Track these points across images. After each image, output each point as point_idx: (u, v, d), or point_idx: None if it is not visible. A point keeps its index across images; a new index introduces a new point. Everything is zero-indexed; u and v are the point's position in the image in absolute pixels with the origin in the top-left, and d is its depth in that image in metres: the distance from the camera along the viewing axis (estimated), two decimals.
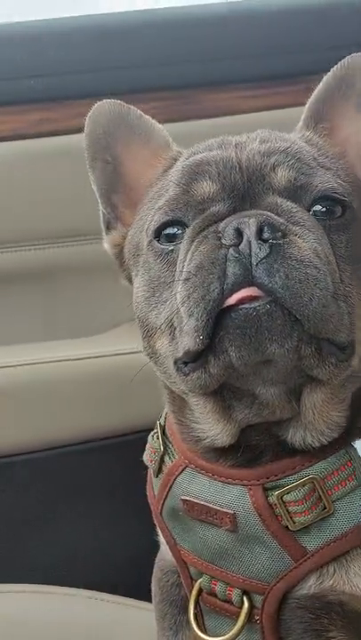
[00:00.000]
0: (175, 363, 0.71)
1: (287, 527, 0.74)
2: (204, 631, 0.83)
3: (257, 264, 0.63)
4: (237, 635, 0.78)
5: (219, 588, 0.80)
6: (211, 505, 0.77)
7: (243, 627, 0.78)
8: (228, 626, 0.80)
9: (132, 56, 1.37)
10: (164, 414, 0.88)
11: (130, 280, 0.84)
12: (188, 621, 0.86)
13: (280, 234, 0.65)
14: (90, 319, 1.43)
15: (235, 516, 0.75)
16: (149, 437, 0.89)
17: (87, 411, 1.33)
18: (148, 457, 0.87)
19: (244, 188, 0.70)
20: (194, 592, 0.82)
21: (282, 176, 0.70)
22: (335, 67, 0.79)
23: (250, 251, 0.64)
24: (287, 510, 0.73)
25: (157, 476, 0.84)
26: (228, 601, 0.80)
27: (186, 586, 0.85)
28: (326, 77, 0.80)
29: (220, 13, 1.45)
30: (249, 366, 0.66)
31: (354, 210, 0.71)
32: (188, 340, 0.66)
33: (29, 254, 1.37)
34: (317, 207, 0.70)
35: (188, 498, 0.78)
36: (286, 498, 0.73)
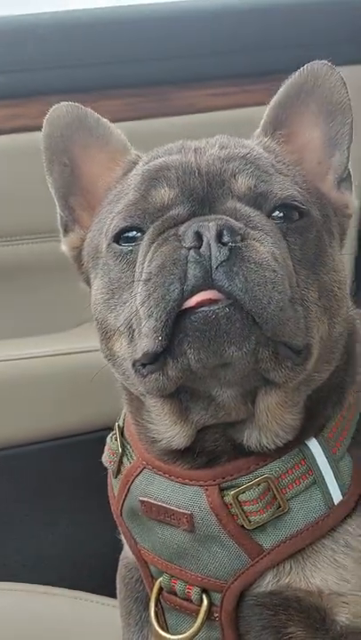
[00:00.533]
0: (134, 364, 0.71)
1: (243, 526, 0.75)
2: (166, 628, 0.84)
3: (217, 267, 0.64)
4: (197, 632, 0.80)
5: (178, 586, 0.81)
6: (168, 506, 0.78)
7: (202, 624, 0.79)
8: (189, 623, 0.81)
9: (102, 53, 1.37)
10: (122, 415, 0.89)
11: (88, 283, 0.84)
12: (148, 614, 0.87)
13: (239, 237, 0.65)
14: (56, 317, 1.42)
15: (192, 516, 0.76)
16: (108, 439, 0.89)
17: (48, 409, 1.33)
18: (106, 458, 0.87)
19: (204, 193, 0.71)
20: (154, 590, 0.84)
21: (242, 183, 0.72)
22: (294, 74, 0.80)
23: (210, 253, 0.64)
24: (242, 510, 0.74)
25: (116, 477, 0.85)
26: (188, 599, 0.81)
27: (147, 584, 0.86)
28: (286, 84, 0.81)
29: (189, 11, 1.45)
30: (207, 369, 0.67)
31: (311, 216, 0.73)
32: (146, 342, 0.67)
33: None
34: (276, 213, 0.71)
35: (146, 499, 0.79)
36: (241, 497, 0.74)
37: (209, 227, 0.65)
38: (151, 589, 0.85)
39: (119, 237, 0.73)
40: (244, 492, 0.74)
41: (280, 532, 0.75)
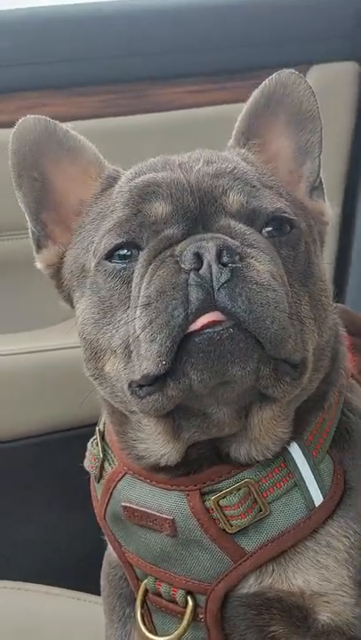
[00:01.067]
0: (130, 385, 0.70)
1: (225, 530, 0.75)
2: (153, 629, 0.84)
3: (219, 288, 0.63)
4: (183, 633, 0.80)
5: (163, 588, 0.81)
6: (150, 511, 0.78)
7: (188, 625, 0.79)
8: (175, 624, 0.81)
9: (78, 49, 1.36)
10: (102, 420, 0.88)
11: (70, 301, 0.83)
12: (135, 616, 0.87)
13: (238, 257, 0.65)
14: (42, 312, 1.39)
15: (174, 521, 0.76)
16: (89, 444, 0.89)
17: (34, 404, 1.33)
18: (88, 463, 0.87)
19: (197, 211, 0.70)
20: (140, 592, 0.84)
21: (233, 200, 0.71)
22: (264, 83, 0.80)
23: (211, 275, 0.64)
24: (224, 514, 0.74)
25: (99, 482, 0.85)
26: (173, 601, 0.81)
27: (133, 586, 0.87)
28: (255, 93, 0.81)
29: (167, 8, 1.43)
30: (207, 388, 0.66)
31: (300, 227, 0.73)
32: (147, 365, 0.66)
33: None
34: (268, 228, 0.71)
35: (128, 504, 0.79)
36: (222, 502, 0.74)
37: (208, 247, 0.64)
38: (137, 591, 0.85)
39: (111, 255, 0.72)
40: (224, 497, 0.74)
41: (262, 534, 0.75)
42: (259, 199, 0.71)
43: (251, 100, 0.81)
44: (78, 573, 1.19)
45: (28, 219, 0.82)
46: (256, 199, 0.71)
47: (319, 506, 0.75)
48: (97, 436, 0.87)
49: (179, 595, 0.80)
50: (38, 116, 0.79)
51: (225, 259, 0.64)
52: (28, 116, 0.79)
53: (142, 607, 0.84)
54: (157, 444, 0.76)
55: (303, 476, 0.76)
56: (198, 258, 0.64)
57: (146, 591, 0.84)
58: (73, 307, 0.81)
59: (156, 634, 0.84)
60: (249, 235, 0.68)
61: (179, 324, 0.63)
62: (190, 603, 0.79)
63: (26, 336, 1.43)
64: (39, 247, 0.83)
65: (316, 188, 0.82)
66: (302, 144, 0.81)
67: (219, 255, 0.64)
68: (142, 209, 0.70)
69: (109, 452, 0.84)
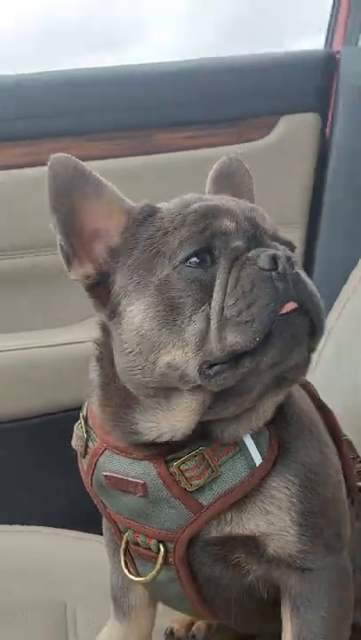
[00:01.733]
0: (201, 366, 0.77)
1: (186, 489, 0.84)
2: (136, 572, 0.95)
3: (292, 284, 0.75)
4: (157, 574, 0.90)
5: (140, 539, 0.90)
6: (126, 477, 0.86)
7: (161, 567, 0.90)
8: (151, 567, 0.91)
9: (99, 103, 1.57)
10: (85, 408, 0.96)
11: (111, 306, 0.87)
12: (118, 562, 0.98)
13: (293, 261, 0.77)
14: (63, 314, 1.59)
15: (145, 484, 0.85)
16: (75, 427, 0.96)
17: (54, 388, 1.52)
18: (75, 442, 0.95)
19: (252, 230, 0.80)
20: (123, 543, 0.93)
21: (268, 226, 0.83)
22: (217, 163, 0.97)
23: (286, 273, 0.75)
24: (185, 476, 0.84)
25: (84, 457, 0.93)
26: (149, 548, 0.90)
27: (117, 538, 0.96)
28: (213, 169, 0.97)
29: (168, 71, 1.64)
30: (270, 365, 0.76)
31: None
32: (241, 341, 0.74)
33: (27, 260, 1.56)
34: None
35: (108, 473, 0.88)
36: (182, 467, 0.83)
37: (280, 255, 0.76)
38: (120, 542, 0.94)
39: (186, 260, 0.79)
40: (184, 463, 0.84)
41: (215, 491, 0.84)
42: (274, 228, 0.84)
43: (211, 172, 0.97)
44: (80, 523, 1.32)
45: (59, 238, 0.88)
46: (273, 228, 0.84)
47: (259, 466, 0.84)
48: (81, 420, 0.94)
49: (152, 543, 0.89)
50: (69, 156, 0.86)
51: (292, 263, 0.76)
52: (60, 154, 0.86)
53: (125, 555, 0.94)
54: (175, 422, 0.84)
55: (246, 444, 0.85)
56: (275, 262, 0.75)
57: (127, 542, 0.93)
58: (115, 312, 0.86)
59: (138, 576, 0.95)
60: (288, 251, 0.80)
61: (273, 307, 0.74)
62: (162, 549, 0.89)
63: (48, 333, 1.60)
64: (69, 263, 0.89)
65: None
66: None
67: (288, 260, 0.76)
68: (213, 224, 0.79)
69: (92, 432, 0.92)
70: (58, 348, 1.55)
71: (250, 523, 0.85)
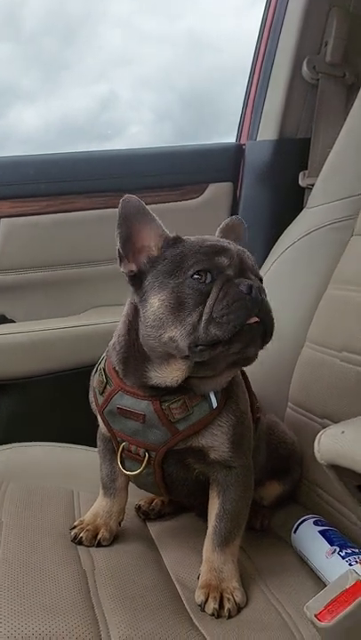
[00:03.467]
0: (190, 344, 0.92)
1: (170, 420, 0.99)
2: (125, 468, 1.10)
3: (258, 305, 0.91)
4: (142, 470, 1.06)
5: (133, 448, 1.06)
6: (132, 409, 1.02)
7: (145, 466, 1.05)
8: (138, 466, 1.07)
9: (98, 173, 1.89)
10: (104, 362, 1.09)
11: (141, 293, 0.99)
12: (116, 462, 1.12)
13: (264, 294, 0.93)
14: (72, 306, 1.90)
15: (144, 415, 1.01)
16: (95, 375, 1.10)
17: (66, 353, 1.81)
18: (96, 384, 1.09)
19: (239, 266, 0.95)
20: (120, 449, 1.08)
21: (252, 264, 0.98)
22: (226, 220, 1.13)
23: (257, 298, 0.91)
24: (171, 412, 1.00)
25: (101, 394, 1.07)
26: (138, 454, 1.05)
27: (115, 445, 1.10)
28: (223, 223, 1.13)
29: (142, 154, 1.97)
30: (233, 353, 0.91)
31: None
32: (219, 334, 0.90)
33: (69, 271, 1.87)
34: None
35: (120, 406, 1.03)
36: (171, 406, 1.00)
37: (255, 285, 0.92)
38: (117, 448, 1.09)
39: (194, 274, 0.93)
40: (172, 404, 1.00)
41: (187, 422, 1.01)
42: (255, 266, 0.99)
43: (224, 222, 1.14)
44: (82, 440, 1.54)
45: (119, 245, 1.00)
46: (255, 266, 0.99)
47: (215, 408, 1.02)
48: (102, 370, 1.09)
49: (141, 451, 1.05)
50: (135, 197, 0.99)
51: (261, 293, 0.92)
52: (130, 195, 0.99)
53: (120, 457, 1.09)
54: (170, 375, 0.98)
55: (210, 395, 1.03)
56: (250, 289, 0.90)
57: (122, 449, 1.08)
58: (144, 298, 0.99)
59: (128, 471, 1.10)
60: (260, 284, 0.95)
61: (243, 318, 0.89)
62: (147, 455, 1.04)
63: (63, 320, 1.91)
64: (121, 261, 1.01)
65: None
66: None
67: (258, 289, 0.91)
68: (215, 257, 0.94)
69: (109, 379, 1.06)
70: (69, 329, 1.85)
71: (203, 440, 1.03)
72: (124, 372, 1.02)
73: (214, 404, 1.01)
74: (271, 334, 0.93)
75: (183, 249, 0.97)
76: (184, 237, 1.00)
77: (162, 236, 1.00)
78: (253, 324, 0.90)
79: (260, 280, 0.97)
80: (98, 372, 1.08)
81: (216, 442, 1.02)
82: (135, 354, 1.00)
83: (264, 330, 0.92)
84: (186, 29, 2.39)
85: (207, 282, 0.92)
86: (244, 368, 1.12)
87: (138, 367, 1.00)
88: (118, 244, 1.00)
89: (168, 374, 0.98)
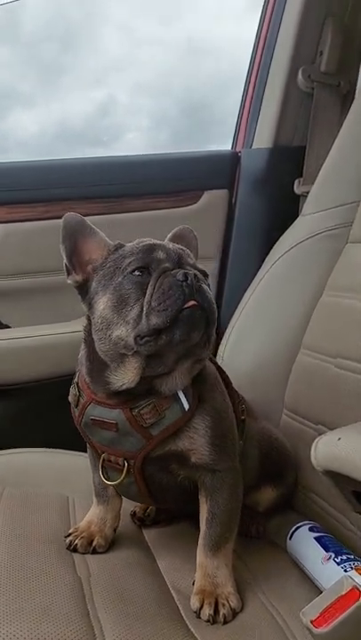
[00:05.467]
0: (135, 338, 0.93)
1: (142, 425, 0.99)
2: (108, 478, 1.10)
3: (195, 291, 0.92)
4: (123, 479, 1.06)
5: (112, 458, 1.06)
6: (105, 419, 1.02)
7: (125, 475, 1.05)
8: (119, 475, 1.08)
9: (96, 180, 1.90)
10: (76, 376, 1.09)
11: (89, 300, 1.01)
12: (98, 473, 1.13)
13: (200, 281, 0.94)
14: (64, 314, 1.85)
15: (117, 424, 1.01)
16: (71, 388, 1.10)
17: (56, 362, 1.75)
18: (70, 398, 1.11)
19: (177, 259, 0.98)
20: (100, 461, 1.09)
21: (188, 258, 1.01)
22: (173, 230, 1.14)
23: (192, 284, 0.92)
24: (142, 417, 0.99)
25: (76, 407, 1.08)
26: (117, 463, 1.06)
27: (96, 457, 1.12)
28: (172, 232, 1.13)
29: (138, 161, 1.98)
30: (178, 341, 0.91)
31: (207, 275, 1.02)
32: (158, 322, 0.90)
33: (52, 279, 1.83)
34: (200, 275, 0.97)
35: (93, 417, 1.04)
36: (141, 412, 0.99)
37: (190, 272, 0.94)
38: (99, 460, 1.10)
39: (133, 272, 0.96)
40: (142, 409, 1.00)
41: (160, 426, 1.01)
42: (195, 263, 1.02)
43: (170, 234, 1.14)
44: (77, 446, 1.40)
45: (65, 259, 1.04)
46: (194, 262, 1.02)
47: (187, 410, 1.01)
48: (75, 384, 1.10)
49: (120, 460, 1.05)
50: (76, 213, 1.04)
51: (197, 280, 0.93)
52: (71, 212, 1.03)
53: (102, 468, 1.10)
54: (126, 376, 0.98)
55: (179, 396, 1.02)
56: (185, 276, 0.92)
57: (104, 459, 1.08)
58: (90, 304, 1.01)
59: (110, 480, 1.10)
60: (198, 273, 0.97)
61: (180, 303, 0.91)
62: (126, 464, 1.05)
63: (59, 325, 1.87)
64: (69, 274, 1.05)
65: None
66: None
67: (194, 276, 0.93)
68: (152, 254, 0.97)
69: (82, 392, 1.07)
70: (64, 335, 1.83)
71: (180, 443, 1.02)
72: (92, 382, 1.04)
73: (186, 406, 1.01)
74: (214, 320, 0.94)
75: (122, 252, 1.00)
76: (125, 243, 1.03)
77: (105, 247, 1.04)
78: (192, 308, 0.91)
79: (204, 273, 0.99)
80: (72, 386, 1.10)
81: (194, 444, 1.02)
82: (96, 362, 1.01)
83: (206, 316, 0.93)
84: (184, 34, 2.37)
85: (145, 276, 0.95)
86: (237, 369, 1.14)
87: (100, 375, 1.01)
88: (64, 257, 1.04)
89: (124, 375, 0.99)
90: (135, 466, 1.04)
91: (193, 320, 0.92)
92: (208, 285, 0.97)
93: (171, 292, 0.91)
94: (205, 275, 1.00)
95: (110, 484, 1.09)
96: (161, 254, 0.97)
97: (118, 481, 1.06)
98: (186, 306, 0.91)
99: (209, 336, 0.96)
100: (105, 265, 1.01)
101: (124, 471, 1.04)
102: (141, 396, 1.00)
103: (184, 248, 1.02)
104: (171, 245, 1.01)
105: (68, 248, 1.04)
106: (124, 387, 0.99)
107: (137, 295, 0.95)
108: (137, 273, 0.95)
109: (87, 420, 1.05)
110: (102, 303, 0.98)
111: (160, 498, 1.11)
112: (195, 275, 0.94)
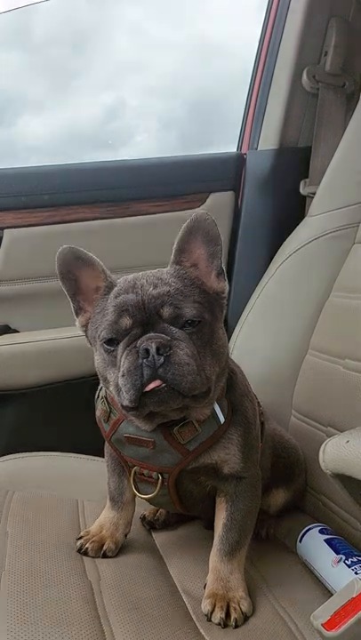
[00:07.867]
0: (122, 406, 0.95)
1: (180, 442, 1.01)
2: (138, 490, 1.12)
3: (158, 368, 0.90)
4: (157, 493, 1.07)
5: (145, 472, 1.07)
6: (141, 437, 1.03)
7: (160, 489, 1.07)
8: (153, 489, 1.09)
9: (99, 183, 1.89)
10: (103, 390, 1.09)
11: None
12: (128, 483, 1.13)
13: (168, 348, 0.90)
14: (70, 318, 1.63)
15: (154, 441, 1.03)
16: (99, 402, 1.10)
17: (76, 362, 1.75)
18: (100, 413, 1.10)
19: (147, 320, 0.94)
20: (132, 474, 1.10)
21: (166, 311, 0.95)
22: (188, 220, 1.01)
23: (154, 361, 0.90)
24: (180, 435, 1.01)
25: (107, 422, 1.08)
26: (151, 477, 1.07)
27: (127, 471, 1.12)
28: (183, 227, 1.01)
29: (145, 165, 1.95)
30: (157, 411, 0.95)
31: (205, 319, 0.96)
32: (127, 402, 0.93)
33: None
34: (186, 326, 0.94)
35: (128, 435, 1.05)
36: (179, 430, 1.01)
37: (152, 346, 0.90)
38: (129, 473, 1.11)
39: (105, 342, 0.97)
40: (181, 427, 1.02)
41: (197, 442, 1.02)
42: (181, 309, 0.94)
43: (180, 231, 1.02)
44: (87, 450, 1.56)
45: (69, 299, 1.03)
46: (180, 309, 0.94)
47: (223, 423, 1.03)
48: (104, 398, 1.09)
49: (155, 474, 1.06)
50: (68, 246, 1.00)
51: (161, 351, 0.90)
52: (64, 246, 0.99)
53: (133, 481, 1.11)
54: (140, 425, 1.03)
55: (216, 411, 1.04)
56: (147, 352, 0.90)
57: (135, 473, 1.10)
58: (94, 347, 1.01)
59: (141, 492, 1.12)
60: (175, 332, 0.92)
61: (139, 386, 0.90)
62: (160, 478, 1.06)
63: (66, 330, 1.82)
64: (77, 314, 1.04)
65: (220, 273, 1.03)
66: (211, 252, 1.02)
67: (157, 350, 0.90)
68: (118, 321, 0.95)
69: (113, 408, 1.07)
70: (73, 339, 1.81)
71: (215, 456, 1.04)
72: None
73: (221, 419, 1.02)
74: (185, 390, 0.92)
75: (105, 305, 0.98)
76: (116, 282, 1.01)
77: (102, 274, 1.02)
78: (155, 389, 0.91)
79: (192, 324, 0.94)
80: (100, 401, 1.10)
81: (228, 455, 1.03)
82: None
83: (173, 389, 0.91)
84: (194, 35, 2.34)
85: (113, 349, 0.95)
86: (245, 371, 1.14)
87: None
88: (68, 298, 1.03)
89: (138, 423, 1.02)
90: (170, 480, 1.05)
91: (159, 398, 0.92)
92: (185, 345, 0.92)
93: (129, 374, 0.91)
94: (194, 323, 0.95)
95: (144, 498, 1.10)
96: (127, 322, 0.95)
97: (153, 494, 1.07)
98: (146, 389, 0.91)
99: (194, 397, 0.94)
100: (94, 314, 1.01)
101: (159, 485, 1.06)
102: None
103: (164, 295, 0.96)
104: (140, 298, 0.95)
105: (69, 288, 1.03)
106: (142, 432, 1.02)
107: (112, 367, 0.96)
108: (106, 346, 0.96)
109: (120, 437, 1.06)
110: (95, 357, 1.00)
111: (190, 505, 1.13)
112: (159, 347, 0.91)
